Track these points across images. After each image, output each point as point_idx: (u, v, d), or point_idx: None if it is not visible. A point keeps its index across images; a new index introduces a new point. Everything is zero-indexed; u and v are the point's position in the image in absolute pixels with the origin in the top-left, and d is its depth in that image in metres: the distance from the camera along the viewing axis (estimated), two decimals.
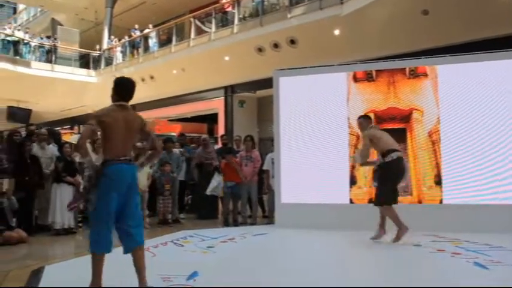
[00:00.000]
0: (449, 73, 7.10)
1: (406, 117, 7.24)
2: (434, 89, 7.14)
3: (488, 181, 6.73)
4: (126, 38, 18.76)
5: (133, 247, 3.66)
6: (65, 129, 20.55)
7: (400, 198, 7.07)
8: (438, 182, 6.98)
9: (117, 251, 3.72)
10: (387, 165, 5.84)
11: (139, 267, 3.64)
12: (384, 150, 5.87)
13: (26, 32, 20.01)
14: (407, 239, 5.80)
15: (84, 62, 19.72)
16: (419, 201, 7.06)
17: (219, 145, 10.58)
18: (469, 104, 6.94)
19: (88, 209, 8.05)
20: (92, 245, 3.64)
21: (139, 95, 17.91)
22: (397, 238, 5.81)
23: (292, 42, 12.32)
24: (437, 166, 7.01)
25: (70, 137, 15.96)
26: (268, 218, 8.27)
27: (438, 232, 6.37)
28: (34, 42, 18.88)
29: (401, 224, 5.80)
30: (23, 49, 18.24)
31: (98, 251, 3.64)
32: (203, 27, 15.19)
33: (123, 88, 3.87)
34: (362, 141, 6.27)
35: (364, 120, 6.31)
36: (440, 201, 6.94)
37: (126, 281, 3.78)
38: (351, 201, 7.30)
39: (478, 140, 6.83)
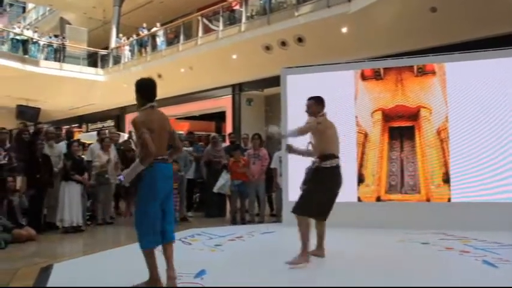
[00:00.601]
0: (458, 71, 7.07)
1: (414, 115, 7.21)
2: (442, 86, 7.11)
3: (496, 179, 6.70)
4: (134, 36, 18.82)
5: (166, 243, 3.82)
6: (73, 127, 20.65)
7: (408, 196, 7.10)
8: (446, 180, 6.95)
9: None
10: (323, 172, 4.79)
11: (168, 257, 3.79)
12: (325, 153, 4.81)
13: (35, 31, 20.11)
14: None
15: (92, 60, 19.81)
16: (428, 200, 7.03)
17: (227, 143, 10.60)
18: (477, 102, 6.90)
19: (97, 208, 8.13)
20: (146, 243, 3.71)
21: None
22: (293, 262, 4.56)
23: (300, 40, 12.30)
24: (446, 164, 6.98)
25: (78, 135, 16.07)
26: (276, 216, 8.27)
27: (446, 230, 6.35)
28: (43, 41, 18.97)
29: (306, 249, 4.69)
30: (32, 48, 18.33)
31: (152, 246, 3.74)
32: (211, 26, 15.20)
33: (149, 89, 3.86)
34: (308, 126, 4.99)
35: (315, 102, 5.03)
36: (449, 200, 6.92)
37: (136, 278, 3.80)
38: (359, 200, 7.29)
39: (486, 138, 6.80)
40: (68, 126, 18.71)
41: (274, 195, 8.75)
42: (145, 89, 3.84)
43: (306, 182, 5.06)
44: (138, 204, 3.85)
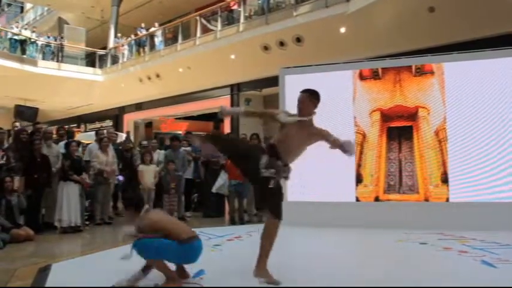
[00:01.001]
0: (456, 71, 7.07)
1: (412, 115, 7.22)
2: (440, 86, 7.12)
3: (495, 179, 6.71)
4: (132, 36, 18.80)
5: None
6: (72, 127, 20.65)
7: (406, 196, 7.12)
8: (445, 180, 6.96)
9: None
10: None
11: None
12: (290, 160, 4.19)
13: (33, 31, 20.08)
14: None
15: (91, 60, 19.78)
16: (426, 199, 7.04)
17: None
18: (476, 102, 6.91)
19: (96, 208, 8.12)
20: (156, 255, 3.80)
21: (146, 94, 17.89)
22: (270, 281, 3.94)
23: (298, 40, 12.29)
24: (444, 164, 6.99)
25: (76, 135, 16.04)
26: None
27: (445, 230, 6.35)
28: (41, 41, 18.94)
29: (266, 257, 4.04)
30: (30, 48, 18.31)
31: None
32: (209, 26, 15.17)
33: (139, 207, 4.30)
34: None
35: (310, 97, 4.26)
36: (447, 199, 6.92)
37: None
38: (357, 200, 7.30)
39: (484, 138, 6.81)
40: (66, 126, 18.70)
41: None
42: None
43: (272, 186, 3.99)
44: (165, 247, 3.82)
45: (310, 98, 4.24)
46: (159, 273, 3.84)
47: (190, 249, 3.92)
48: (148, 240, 3.76)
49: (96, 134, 9.07)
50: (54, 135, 8.68)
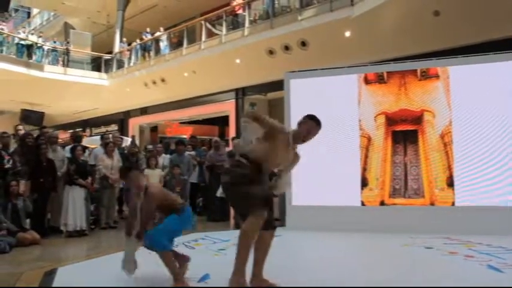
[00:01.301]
0: (461, 74, 7.06)
1: (417, 119, 7.21)
2: (446, 90, 7.10)
3: (501, 183, 6.67)
4: (138, 41, 18.87)
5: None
6: (77, 131, 20.72)
7: (412, 200, 7.10)
8: (450, 184, 6.93)
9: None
10: None
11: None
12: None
13: (40, 36, 20.21)
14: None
15: (96, 65, 19.87)
16: (432, 203, 7.01)
17: (231, 147, 10.60)
18: (481, 106, 6.89)
19: (101, 212, 8.13)
20: (168, 245, 3.96)
21: (151, 98, 17.89)
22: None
23: (303, 44, 12.31)
24: (450, 168, 6.96)
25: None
26: (280, 220, 8.25)
27: (450, 234, 6.32)
28: (47, 46, 19.05)
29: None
30: (37, 53, 18.42)
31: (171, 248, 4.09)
32: (214, 30, 15.22)
33: None
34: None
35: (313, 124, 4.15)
36: (453, 203, 6.89)
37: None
38: (362, 204, 7.28)
39: (490, 142, 6.78)
40: (71, 131, 18.78)
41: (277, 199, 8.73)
42: None
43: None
44: (171, 223, 4.02)
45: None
46: (163, 275, 3.85)
47: (187, 214, 4.20)
48: (151, 231, 3.87)
49: (102, 138, 9.10)
50: (60, 140, 8.72)
